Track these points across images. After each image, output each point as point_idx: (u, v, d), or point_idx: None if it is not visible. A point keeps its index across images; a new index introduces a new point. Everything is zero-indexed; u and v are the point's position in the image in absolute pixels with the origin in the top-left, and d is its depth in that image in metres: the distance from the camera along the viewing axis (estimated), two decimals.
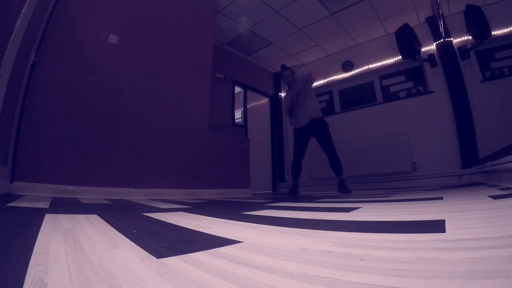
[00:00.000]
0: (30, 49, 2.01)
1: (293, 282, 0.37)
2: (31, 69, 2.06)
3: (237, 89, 5.35)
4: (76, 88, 2.31)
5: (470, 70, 3.78)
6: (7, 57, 1.55)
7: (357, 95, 5.02)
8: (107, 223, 0.90)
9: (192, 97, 3.26)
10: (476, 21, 3.10)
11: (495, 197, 1.16)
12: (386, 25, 4.45)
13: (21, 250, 0.50)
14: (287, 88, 3.59)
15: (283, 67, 3.51)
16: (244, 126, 5.26)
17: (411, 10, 4.08)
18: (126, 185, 2.49)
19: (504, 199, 1.07)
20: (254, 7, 3.99)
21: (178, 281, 0.38)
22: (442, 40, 3.93)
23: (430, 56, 4.01)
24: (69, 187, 2.14)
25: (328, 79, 5.33)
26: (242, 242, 0.64)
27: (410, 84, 4.44)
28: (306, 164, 4.01)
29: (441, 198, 1.45)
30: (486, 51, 3.69)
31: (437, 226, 0.67)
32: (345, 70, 5.13)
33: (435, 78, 4.09)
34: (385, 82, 4.69)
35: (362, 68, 4.92)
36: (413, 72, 4.41)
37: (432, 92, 4.10)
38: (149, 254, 0.52)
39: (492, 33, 3.23)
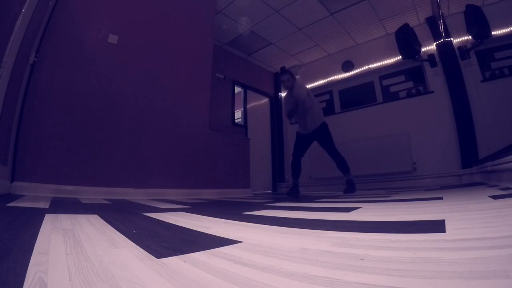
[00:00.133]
0: (30, 49, 2.01)
1: (293, 282, 0.37)
2: (31, 69, 2.06)
3: (237, 89, 5.35)
4: (76, 88, 2.31)
5: (470, 70, 3.78)
6: (7, 57, 1.56)
7: (357, 95, 5.01)
8: (107, 223, 0.90)
9: (192, 97, 3.26)
10: (476, 21, 3.10)
11: (495, 197, 1.16)
12: (386, 25, 4.45)
13: (21, 250, 0.50)
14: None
15: (282, 70, 3.43)
16: (244, 126, 5.26)
17: (411, 10, 4.08)
18: (126, 185, 2.49)
19: (504, 199, 1.07)
20: (254, 7, 3.99)
21: (178, 281, 0.38)
22: (442, 40, 3.93)
23: (430, 56, 4.00)
24: (69, 187, 2.14)
25: (328, 79, 5.32)
26: (242, 242, 0.64)
27: (410, 84, 4.44)
28: (306, 164, 4.02)
29: (441, 198, 1.45)
30: (486, 51, 3.69)
31: (437, 226, 0.67)
32: (345, 70, 5.13)
33: (435, 78, 4.09)
34: (385, 82, 4.69)
35: (362, 68, 4.91)
36: (413, 72, 4.41)
37: (432, 92, 4.10)
38: (149, 254, 0.52)
39: (492, 33, 3.23)
